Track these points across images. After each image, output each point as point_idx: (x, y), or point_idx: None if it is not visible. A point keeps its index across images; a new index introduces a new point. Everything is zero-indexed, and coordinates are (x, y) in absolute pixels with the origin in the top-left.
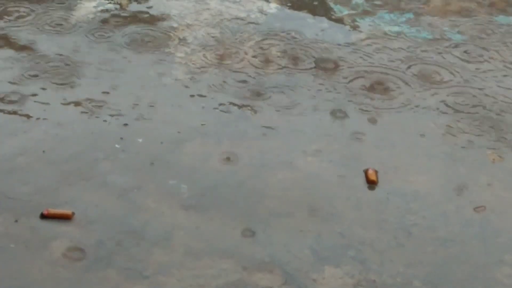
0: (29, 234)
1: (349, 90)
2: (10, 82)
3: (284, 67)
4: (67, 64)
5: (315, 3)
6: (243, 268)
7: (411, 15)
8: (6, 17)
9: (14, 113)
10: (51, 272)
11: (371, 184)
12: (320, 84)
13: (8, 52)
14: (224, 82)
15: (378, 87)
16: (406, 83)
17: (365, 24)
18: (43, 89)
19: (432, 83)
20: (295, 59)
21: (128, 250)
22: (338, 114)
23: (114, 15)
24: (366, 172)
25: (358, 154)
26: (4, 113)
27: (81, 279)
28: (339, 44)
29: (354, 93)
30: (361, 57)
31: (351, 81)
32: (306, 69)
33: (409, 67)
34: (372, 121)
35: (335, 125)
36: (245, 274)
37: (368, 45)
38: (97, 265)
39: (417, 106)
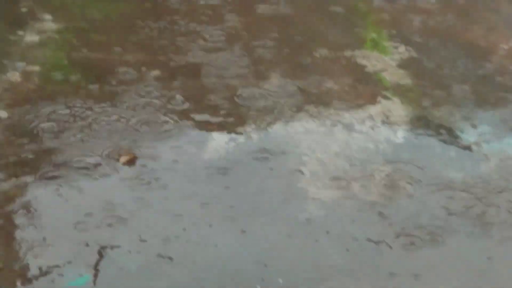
0: None
1: None
2: None
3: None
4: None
5: (442, 130)
6: None
7: None
8: None
9: (158, 255)
10: None
11: None
12: None
13: None
14: (358, 214)
15: None
16: None
17: (493, 151)
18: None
19: None
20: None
21: None
22: None
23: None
24: None
25: None
26: (148, 255)
27: None
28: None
29: None
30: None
31: None
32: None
33: None
34: None
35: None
36: None
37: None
38: None
39: None
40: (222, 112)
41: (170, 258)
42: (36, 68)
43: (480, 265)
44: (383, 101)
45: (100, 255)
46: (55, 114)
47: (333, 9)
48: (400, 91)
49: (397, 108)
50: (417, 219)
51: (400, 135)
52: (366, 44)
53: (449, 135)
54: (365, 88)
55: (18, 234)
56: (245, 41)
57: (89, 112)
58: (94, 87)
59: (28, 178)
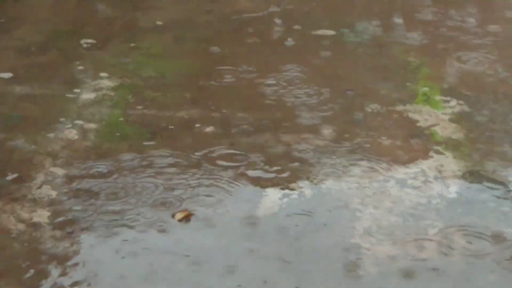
0: None
1: None
2: None
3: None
4: None
5: (495, 185)
6: None
7: None
8: None
9: None
10: None
11: None
12: None
13: None
14: (412, 271)
15: None
16: None
17: None
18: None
19: None
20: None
21: None
22: None
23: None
24: None
25: None
26: None
27: None
28: None
29: None
30: None
31: None
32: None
33: None
34: None
35: None
36: None
37: None
38: None
39: None
40: (275, 168)
41: None
42: (93, 125)
43: None
44: (436, 156)
45: None
46: (110, 171)
47: (383, 62)
48: (452, 145)
49: (450, 163)
50: (470, 275)
51: (453, 190)
52: (417, 99)
53: (503, 190)
54: (417, 143)
55: None
56: (297, 95)
57: (144, 170)
58: (149, 143)
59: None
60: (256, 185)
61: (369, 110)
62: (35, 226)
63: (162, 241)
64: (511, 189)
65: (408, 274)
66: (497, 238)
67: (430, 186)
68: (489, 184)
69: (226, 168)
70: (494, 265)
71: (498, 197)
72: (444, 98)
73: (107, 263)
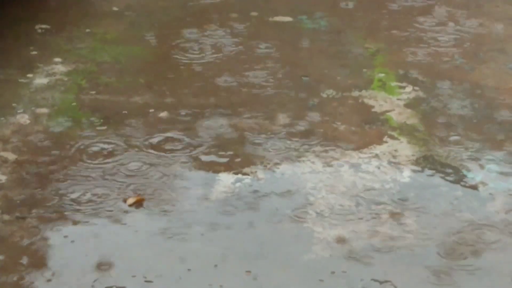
0: None
1: None
2: None
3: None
4: None
5: (448, 170)
6: None
7: None
8: None
9: None
10: None
11: None
12: None
13: None
14: (363, 254)
15: None
16: None
17: (500, 191)
18: (189, 270)
19: None
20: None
21: None
22: None
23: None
24: None
25: None
26: None
27: None
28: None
29: None
30: None
31: None
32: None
33: None
34: None
35: None
36: None
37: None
38: None
39: None
40: (229, 153)
41: None
42: (45, 110)
43: None
44: (390, 141)
45: None
46: (62, 156)
47: (340, 49)
48: (407, 130)
49: (404, 148)
50: (423, 259)
51: (406, 174)
52: (373, 85)
53: (456, 175)
54: (372, 128)
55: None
56: (251, 81)
57: (97, 155)
58: (102, 128)
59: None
60: (209, 170)
61: (324, 95)
62: None
63: (113, 226)
64: (464, 174)
65: (360, 257)
66: (447, 221)
67: (384, 170)
68: (442, 169)
69: (179, 152)
70: (446, 250)
71: (451, 182)
72: (399, 84)
73: (56, 247)
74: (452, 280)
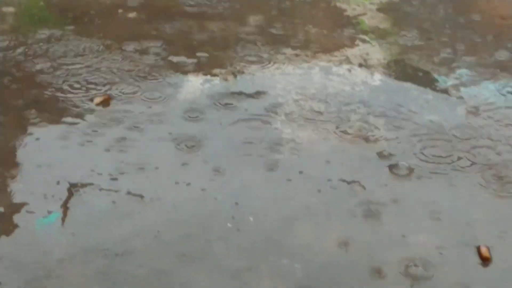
0: None
1: None
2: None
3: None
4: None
5: (419, 73)
6: None
7: None
8: None
9: (129, 193)
10: None
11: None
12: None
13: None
14: (332, 155)
15: None
16: None
17: (471, 95)
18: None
19: None
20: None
21: None
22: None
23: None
24: (479, 249)
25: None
26: (119, 193)
27: None
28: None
29: None
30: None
31: None
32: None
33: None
34: None
35: (445, 204)
36: None
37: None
38: None
39: None
40: (198, 54)
41: (141, 196)
42: (11, 9)
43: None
44: (362, 45)
45: (70, 193)
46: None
47: None
48: (379, 34)
49: (375, 51)
50: (390, 160)
51: (377, 78)
52: None
53: (427, 79)
54: (344, 32)
55: None
56: None
57: (63, 54)
58: (70, 28)
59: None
60: (178, 70)
61: None
62: None
63: (80, 123)
64: (436, 78)
65: (328, 159)
66: (417, 124)
67: (355, 73)
68: (413, 73)
69: (148, 53)
70: (415, 150)
71: (422, 86)
72: None
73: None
74: (414, 177)
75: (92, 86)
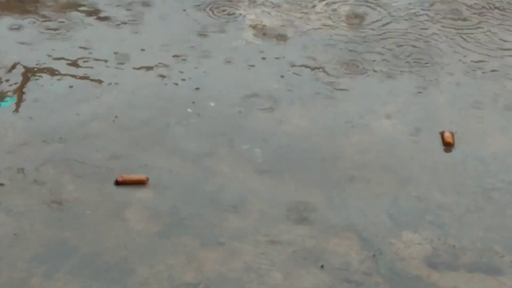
0: (104, 201)
1: None
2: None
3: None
4: None
5: None
6: (319, 233)
7: None
8: None
9: (86, 78)
10: (126, 239)
11: (448, 146)
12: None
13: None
14: (296, 42)
15: None
16: None
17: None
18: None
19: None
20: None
21: (202, 216)
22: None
23: None
24: (442, 134)
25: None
26: (76, 78)
27: (156, 245)
28: None
29: None
30: None
31: None
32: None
33: None
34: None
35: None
36: (321, 240)
37: None
38: (172, 231)
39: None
40: None
41: (100, 81)
42: None
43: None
44: None
45: (26, 77)
46: None
47: None
48: None
49: None
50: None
51: None
52: None
53: None
54: None
55: None
56: None
57: None
58: None
59: None
60: None
61: None
62: None
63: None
64: None
65: (291, 46)
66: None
67: None
68: None
69: None
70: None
71: None
72: None
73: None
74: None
75: None
